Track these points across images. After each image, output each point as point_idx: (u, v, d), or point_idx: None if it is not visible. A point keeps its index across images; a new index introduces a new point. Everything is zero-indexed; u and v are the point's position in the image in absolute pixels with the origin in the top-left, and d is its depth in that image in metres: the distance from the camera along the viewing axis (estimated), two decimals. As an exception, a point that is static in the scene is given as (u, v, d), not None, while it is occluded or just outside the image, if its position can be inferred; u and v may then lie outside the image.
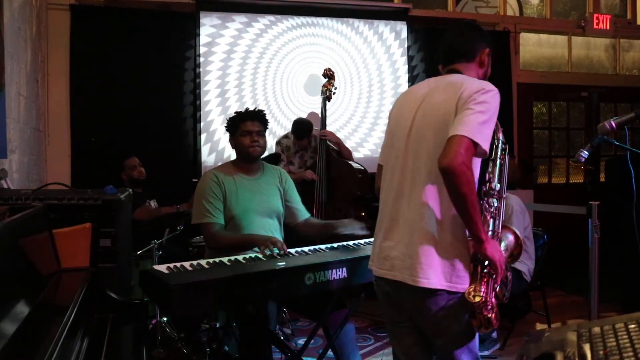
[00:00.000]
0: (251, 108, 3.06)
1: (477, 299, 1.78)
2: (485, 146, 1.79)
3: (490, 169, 1.99)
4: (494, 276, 1.82)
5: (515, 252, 2.02)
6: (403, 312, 2.01)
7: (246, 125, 2.94)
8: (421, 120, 1.95)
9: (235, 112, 3.04)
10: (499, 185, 1.97)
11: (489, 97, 1.83)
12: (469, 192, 1.73)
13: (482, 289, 1.80)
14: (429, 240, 1.85)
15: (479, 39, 2.08)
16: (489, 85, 1.87)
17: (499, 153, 2.01)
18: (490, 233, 1.90)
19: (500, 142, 2.03)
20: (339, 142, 4.74)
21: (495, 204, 1.94)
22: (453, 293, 1.84)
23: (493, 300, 1.82)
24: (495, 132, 1.93)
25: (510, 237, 2.01)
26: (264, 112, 3.06)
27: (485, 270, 1.82)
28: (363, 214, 4.54)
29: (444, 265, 1.84)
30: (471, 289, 1.81)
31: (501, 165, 2.00)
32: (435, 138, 1.87)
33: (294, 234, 3.13)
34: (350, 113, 5.84)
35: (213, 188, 2.88)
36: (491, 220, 1.93)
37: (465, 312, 1.84)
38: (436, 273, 1.83)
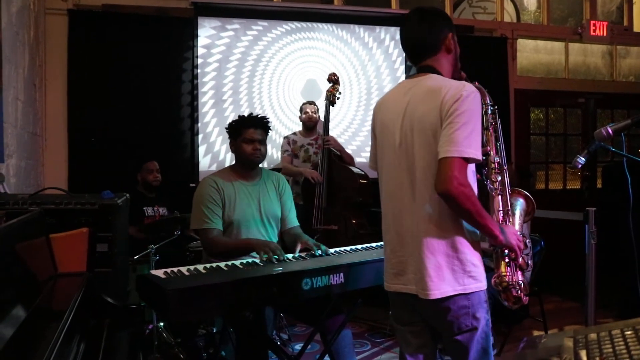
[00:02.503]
0: (252, 113, 3.06)
1: (504, 284, 1.89)
2: (478, 155, 1.81)
3: (485, 139, 2.01)
4: (514, 257, 1.92)
5: (529, 210, 2.14)
6: (416, 315, 2.03)
7: (249, 132, 2.94)
8: (409, 135, 1.92)
9: (240, 116, 3.03)
10: (497, 157, 2.02)
11: (468, 103, 1.81)
12: (472, 206, 1.78)
13: (507, 273, 1.91)
14: (436, 252, 1.88)
15: (439, 26, 2.01)
16: (463, 90, 1.83)
17: (489, 119, 2.06)
18: (501, 213, 1.98)
19: (489, 106, 2.08)
20: (341, 149, 4.74)
21: (499, 179, 2.00)
22: (469, 293, 1.88)
23: (520, 279, 1.91)
24: (481, 100, 1.95)
25: (521, 200, 2.13)
26: (268, 119, 3.05)
27: (506, 255, 1.92)
28: (363, 219, 4.54)
29: (454, 272, 1.87)
30: (497, 278, 1.91)
31: (495, 131, 2.06)
32: (426, 154, 1.88)
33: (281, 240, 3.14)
34: (350, 118, 5.86)
35: (212, 194, 2.88)
36: (499, 198, 1.99)
37: (482, 308, 1.90)
38: (448, 281, 1.86)
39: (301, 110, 4.94)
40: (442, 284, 1.85)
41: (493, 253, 1.95)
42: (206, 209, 2.86)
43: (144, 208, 4.30)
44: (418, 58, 2.04)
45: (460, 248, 1.87)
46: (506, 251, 1.91)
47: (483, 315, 1.90)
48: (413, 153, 1.91)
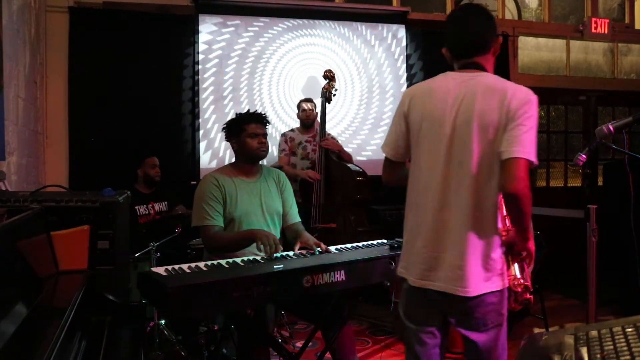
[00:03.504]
0: (251, 110, 3.09)
1: (520, 287, 1.96)
2: (536, 160, 1.86)
3: None
4: (528, 262, 1.98)
5: None
6: (438, 315, 2.02)
7: (252, 127, 2.97)
8: (464, 128, 1.90)
9: (238, 114, 3.06)
10: None
11: (535, 109, 1.87)
12: (529, 209, 1.84)
13: (521, 277, 1.98)
14: (478, 249, 1.90)
15: (494, 28, 2.05)
16: (530, 94, 1.90)
17: None
18: (507, 218, 2.01)
19: None
20: (340, 149, 4.72)
21: None
22: (496, 291, 1.93)
23: (529, 283, 1.99)
24: None
25: None
26: (266, 114, 3.10)
27: (522, 260, 1.99)
28: (362, 216, 4.54)
29: (488, 270, 1.91)
30: (515, 281, 1.96)
31: None
32: (483, 149, 1.88)
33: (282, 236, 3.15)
34: (352, 116, 5.84)
35: (213, 191, 2.89)
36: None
37: (505, 305, 1.95)
38: (484, 279, 1.90)
39: (298, 107, 4.91)
40: (479, 281, 1.89)
41: (507, 254, 1.98)
42: (207, 206, 2.86)
43: (136, 207, 4.23)
44: (467, 53, 2.02)
45: (494, 247, 1.92)
46: (524, 254, 1.97)
47: (505, 312, 1.96)
48: (469, 147, 1.89)
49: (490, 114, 1.87)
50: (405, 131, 2.05)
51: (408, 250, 2.06)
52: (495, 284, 1.91)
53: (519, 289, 1.96)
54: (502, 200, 1.92)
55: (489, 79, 1.96)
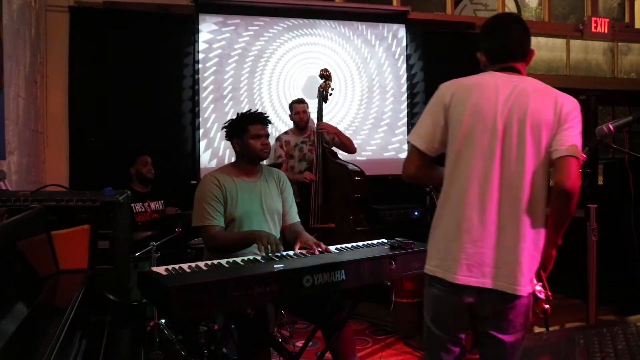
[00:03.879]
0: (251, 110, 3.09)
1: (542, 293, 1.96)
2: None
3: None
4: (544, 269, 2.00)
5: None
6: (467, 319, 1.99)
7: (256, 128, 2.97)
8: (515, 126, 1.91)
9: (241, 114, 3.05)
10: None
11: (580, 114, 1.96)
12: (574, 208, 1.88)
13: (543, 286, 1.98)
14: (529, 247, 1.91)
15: (530, 39, 2.12)
16: (576, 101, 1.98)
17: None
18: None
19: None
20: (337, 132, 4.70)
21: None
22: (530, 293, 1.94)
23: (549, 292, 1.99)
24: None
25: None
26: (267, 115, 3.10)
27: (542, 265, 1.99)
28: (361, 216, 4.53)
29: (531, 270, 1.92)
30: (540, 288, 1.96)
31: None
32: (536, 148, 1.91)
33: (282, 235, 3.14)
34: (352, 116, 5.85)
35: (214, 191, 2.89)
36: None
37: (531, 308, 1.96)
38: (530, 279, 1.91)
39: (291, 109, 4.85)
40: (527, 280, 1.90)
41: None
42: (207, 206, 2.87)
43: (132, 204, 4.25)
44: (509, 58, 2.04)
45: (540, 246, 1.94)
46: (547, 258, 2.00)
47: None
48: (523, 144, 1.90)
49: (544, 114, 1.91)
50: (444, 125, 2.00)
51: (446, 247, 1.96)
52: (533, 286, 1.93)
53: (542, 295, 1.95)
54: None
55: (536, 82, 2.01)
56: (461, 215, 1.93)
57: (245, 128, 2.97)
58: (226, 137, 3.08)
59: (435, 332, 2.03)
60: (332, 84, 4.68)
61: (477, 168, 1.93)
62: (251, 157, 3.00)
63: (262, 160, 3.07)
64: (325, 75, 4.67)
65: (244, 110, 3.09)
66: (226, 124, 3.07)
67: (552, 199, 1.91)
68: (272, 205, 3.04)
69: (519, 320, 1.93)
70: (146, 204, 4.40)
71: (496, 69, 2.04)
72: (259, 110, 3.11)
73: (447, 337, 2.02)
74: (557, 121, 1.91)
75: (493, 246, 1.90)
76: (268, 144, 3.01)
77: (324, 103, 4.66)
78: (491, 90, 1.96)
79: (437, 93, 2.05)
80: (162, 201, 4.49)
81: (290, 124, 5.15)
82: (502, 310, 1.92)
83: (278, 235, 3.05)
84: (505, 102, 1.93)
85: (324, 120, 4.66)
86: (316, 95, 4.70)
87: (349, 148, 4.76)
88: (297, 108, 4.79)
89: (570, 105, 1.94)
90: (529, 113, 1.91)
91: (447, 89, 2.03)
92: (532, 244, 1.91)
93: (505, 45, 2.05)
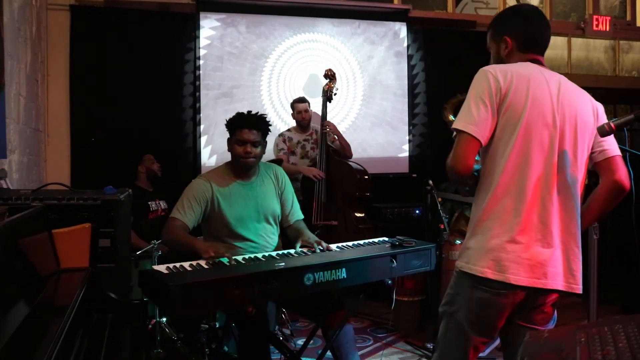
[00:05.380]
0: (253, 111, 2.95)
1: None
2: None
3: None
4: None
5: None
6: (501, 319, 1.90)
7: (242, 133, 2.83)
8: (571, 124, 1.89)
9: (237, 114, 2.94)
10: None
11: None
12: None
13: None
14: (579, 245, 1.91)
15: None
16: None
17: None
18: None
19: None
20: (339, 135, 4.72)
21: None
22: None
23: None
24: None
25: None
26: (266, 116, 2.95)
27: None
28: (363, 214, 4.54)
29: (581, 268, 1.92)
30: None
31: None
32: (585, 146, 1.93)
33: (285, 234, 3.13)
34: (354, 114, 5.84)
35: (199, 194, 2.84)
36: None
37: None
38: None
39: (293, 108, 4.86)
40: (581, 278, 1.90)
41: None
42: (186, 202, 2.83)
43: (149, 202, 4.34)
44: (539, 49, 2.02)
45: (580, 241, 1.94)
46: None
47: None
48: (576, 144, 1.90)
49: (587, 114, 1.94)
50: (496, 111, 1.84)
51: (501, 246, 1.81)
52: None
53: None
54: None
55: (572, 83, 2.00)
56: (521, 214, 1.81)
57: (234, 130, 2.88)
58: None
59: (470, 334, 1.89)
60: (336, 84, 4.70)
61: (538, 165, 1.83)
62: (233, 161, 2.93)
63: (242, 168, 2.91)
64: (330, 75, 4.68)
65: (244, 109, 3.00)
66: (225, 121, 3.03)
67: (606, 196, 1.95)
68: (268, 207, 2.97)
69: (554, 318, 1.98)
70: (157, 202, 4.43)
71: (525, 58, 1.97)
72: (259, 110, 3.03)
73: (485, 339, 1.91)
74: (595, 123, 1.95)
75: (554, 246, 1.84)
76: (252, 151, 2.83)
77: (328, 103, 4.67)
78: (543, 84, 1.89)
79: (487, 77, 1.85)
80: (164, 201, 4.51)
81: (290, 123, 5.15)
82: (543, 304, 1.90)
83: (276, 237, 3.03)
84: (558, 99, 1.89)
85: (328, 119, 4.67)
86: (319, 94, 4.73)
87: (347, 152, 4.77)
88: (299, 107, 4.80)
89: (602, 108, 2.01)
90: (578, 113, 1.92)
91: (501, 74, 1.85)
92: (579, 243, 1.91)
93: (541, 34, 2.02)
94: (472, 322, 1.88)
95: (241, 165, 2.89)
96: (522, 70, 1.89)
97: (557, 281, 1.83)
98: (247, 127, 2.84)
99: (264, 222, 2.97)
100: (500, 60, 2.03)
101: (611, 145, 1.95)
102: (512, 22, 2.03)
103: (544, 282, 1.81)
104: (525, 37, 2.00)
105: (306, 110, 4.79)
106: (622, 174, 1.92)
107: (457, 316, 1.91)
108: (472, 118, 1.81)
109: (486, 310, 1.85)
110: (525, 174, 1.82)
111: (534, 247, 1.81)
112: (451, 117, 4.29)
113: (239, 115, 2.92)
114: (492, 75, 1.84)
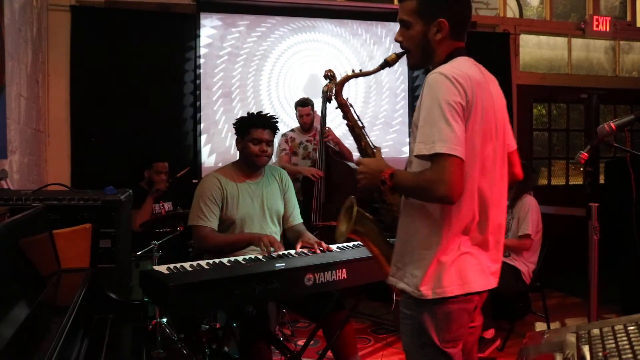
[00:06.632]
0: (253, 110, 3.04)
1: None
2: None
3: None
4: None
5: None
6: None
7: (257, 132, 2.91)
8: (499, 125, 1.78)
9: (249, 114, 3.01)
10: None
11: None
12: None
13: None
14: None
15: None
16: None
17: None
18: None
19: None
20: (338, 142, 4.73)
21: None
22: None
23: None
24: None
25: None
26: (276, 118, 3.03)
27: None
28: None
29: None
30: None
31: None
32: (504, 146, 1.83)
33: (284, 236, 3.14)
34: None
35: (213, 192, 2.88)
36: None
37: None
38: None
39: (296, 110, 4.88)
40: None
41: None
42: (204, 206, 2.86)
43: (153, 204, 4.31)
44: (465, 36, 1.81)
45: None
46: None
47: None
48: (504, 145, 1.81)
49: (504, 107, 1.85)
50: (466, 127, 1.64)
51: (467, 263, 1.73)
52: None
53: None
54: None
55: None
56: (482, 225, 1.75)
57: (248, 130, 2.93)
58: (235, 133, 3.06)
59: (450, 354, 1.78)
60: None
61: (494, 175, 1.76)
62: (248, 160, 2.97)
63: (258, 166, 2.99)
64: (330, 76, 4.68)
65: (245, 109, 3.05)
66: (235, 122, 3.06)
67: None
68: (274, 206, 3.03)
69: None
70: (161, 204, 4.41)
71: (453, 47, 1.77)
72: (263, 110, 3.08)
73: (457, 350, 1.81)
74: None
75: (489, 248, 1.80)
76: (267, 150, 2.93)
77: (328, 103, 4.67)
78: (487, 89, 1.73)
79: (455, 86, 1.62)
80: (170, 202, 4.48)
81: (289, 123, 5.15)
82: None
83: (279, 236, 3.05)
84: (495, 105, 1.76)
85: (328, 119, 4.68)
86: (319, 95, 4.73)
87: (347, 158, 4.77)
88: (302, 111, 4.82)
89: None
90: (501, 108, 1.82)
91: (465, 82, 1.64)
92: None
93: (468, 17, 1.80)
94: (449, 339, 1.78)
95: (256, 164, 2.96)
96: (472, 73, 1.69)
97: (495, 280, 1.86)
98: (262, 126, 2.93)
99: (269, 221, 3.01)
100: (423, 46, 1.80)
101: (512, 139, 1.90)
102: (450, 0, 1.75)
103: (492, 281, 1.82)
104: (460, 20, 1.77)
105: (308, 114, 4.81)
106: (517, 168, 1.92)
107: (434, 344, 1.81)
108: (451, 137, 1.58)
109: (459, 320, 1.79)
110: (475, 184, 1.70)
111: (480, 255, 1.76)
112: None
113: (252, 115, 2.99)
114: (459, 85, 1.62)
